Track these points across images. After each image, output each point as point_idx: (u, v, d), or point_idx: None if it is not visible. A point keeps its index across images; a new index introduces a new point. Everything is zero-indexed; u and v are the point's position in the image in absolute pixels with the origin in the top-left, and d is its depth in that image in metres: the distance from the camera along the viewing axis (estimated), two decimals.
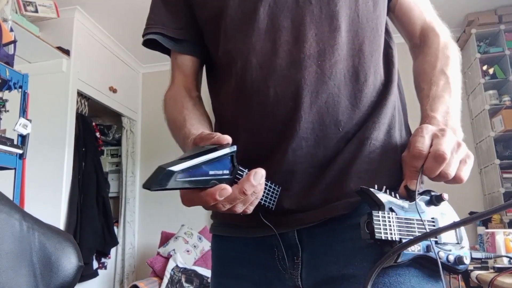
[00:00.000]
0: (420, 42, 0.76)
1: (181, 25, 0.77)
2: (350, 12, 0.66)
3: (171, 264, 3.03)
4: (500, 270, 1.54)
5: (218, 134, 0.53)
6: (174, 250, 3.14)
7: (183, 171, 0.46)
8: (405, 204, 0.54)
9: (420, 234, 0.53)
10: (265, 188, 0.57)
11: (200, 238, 3.31)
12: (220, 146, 0.52)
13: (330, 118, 0.63)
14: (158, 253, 3.21)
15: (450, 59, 0.71)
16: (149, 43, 0.79)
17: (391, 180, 0.60)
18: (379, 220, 0.51)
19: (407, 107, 0.76)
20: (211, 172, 0.49)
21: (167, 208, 3.74)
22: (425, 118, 0.63)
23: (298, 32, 0.65)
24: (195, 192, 0.50)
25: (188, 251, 3.19)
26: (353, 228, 0.56)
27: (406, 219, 0.53)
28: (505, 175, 3.00)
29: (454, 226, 0.48)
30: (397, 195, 0.55)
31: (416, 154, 0.55)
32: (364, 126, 0.64)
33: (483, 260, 1.73)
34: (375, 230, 0.50)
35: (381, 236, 0.50)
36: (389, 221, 0.51)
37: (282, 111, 0.63)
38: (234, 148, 0.52)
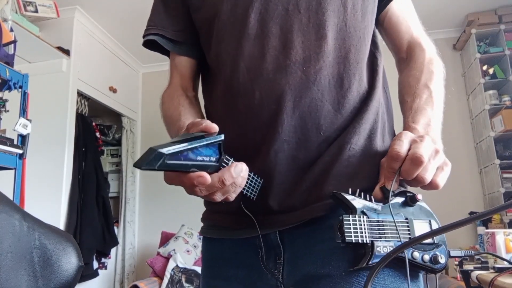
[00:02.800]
0: (406, 56, 0.78)
1: (180, 27, 0.80)
2: (338, 21, 0.68)
3: (171, 264, 3.04)
4: (500, 270, 1.54)
5: (207, 122, 0.55)
6: (174, 250, 3.14)
7: (172, 154, 0.48)
8: (378, 206, 0.56)
9: (392, 235, 0.54)
10: (248, 179, 0.59)
11: (200, 238, 3.31)
12: (208, 133, 0.54)
13: (312, 122, 0.65)
14: (158, 253, 3.21)
15: (434, 74, 0.72)
16: (149, 44, 0.82)
17: (369, 184, 0.62)
18: (349, 224, 0.53)
19: (395, 112, 0.77)
20: (198, 158, 0.51)
21: (167, 208, 3.74)
22: (406, 129, 0.65)
23: (286, 39, 0.67)
24: (178, 173, 0.52)
25: (188, 251, 3.19)
26: (331, 229, 0.58)
27: (378, 221, 0.55)
28: (505, 175, 3.00)
29: (454, 226, 0.48)
30: (372, 198, 0.57)
31: (394, 156, 0.56)
32: (345, 131, 0.66)
33: (483, 260, 1.73)
34: (346, 234, 0.52)
35: (352, 240, 0.52)
36: (360, 224, 0.53)
37: (266, 114, 0.66)
38: (222, 137, 0.54)
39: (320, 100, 0.66)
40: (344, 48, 0.68)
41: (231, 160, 0.55)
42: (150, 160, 0.46)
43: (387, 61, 0.78)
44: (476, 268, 1.72)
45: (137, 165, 0.47)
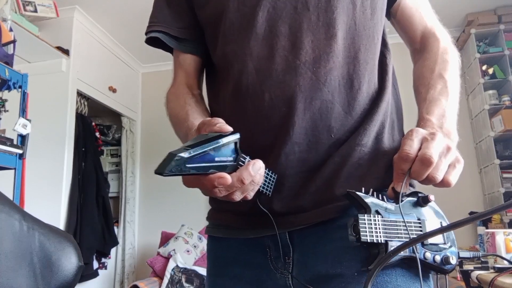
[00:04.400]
0: (420, 47, 0.77)
1: (184, 24, 0.78)
2: (348, 19, 0.67)
3: (171, 264, 3.03)
4: (500, 270, 1.54)
5: (220, 121, 0.54)
6: (174, 250, 3.14)
7: (192, 157, 0.47)
8: (392, 206, 0.56)
9: (405, 235, 0.54)
10: (264, 176, 0.58)
11: (200, 238, 3.31)
12: (224, 133, 0.53)
13: (323, 124, 0.64)
14: (158, 253, 3.21)
15: (449, 63, 0.71)
16: (151, 41, 0.80)
17: (379, 184, 0.61)
18: (364, 223, 0.52)
19: (403, 110, 0.77)
20: (216, 159, 0.51)
21: (167, 208, 3.74)
22: (421, 120, 0.64)
23: (295, 38, 0.65)
24: (197, 175, 0.51)
25: (188, 251, 3.19)
26: (342, 229, 0.57)
27: (392, 221, 0.54)
28: (505, 175, 3.00)
29: (454, 226, 0.48)
30: (385, 197, 0.56)
31: (403, 157, 0.55)
32: (356, 132, 0.65)
33: (483, 260, 1.73)
34: (361, 233, 0.52)
35: (367, 239, 0.52)
36: (375, 224, 0.53)
37: (276, 116, 0.64)
38: (238, 135, 0.53)
39: (331, 101, 0.64)
40: (353, 48, 0.67)
41: (247, 158, 0.55)
42: (171, 165, 0.46)
43: (396, 56, 0.77)
44: (476, 268, 1.72)
45: (158, 171, 0.46)
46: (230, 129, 0.54)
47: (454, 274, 2.36)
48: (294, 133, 0.63)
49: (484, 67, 3.19)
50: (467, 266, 1.79)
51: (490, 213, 0.42)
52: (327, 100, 0.64)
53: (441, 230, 0.52)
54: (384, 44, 0.74)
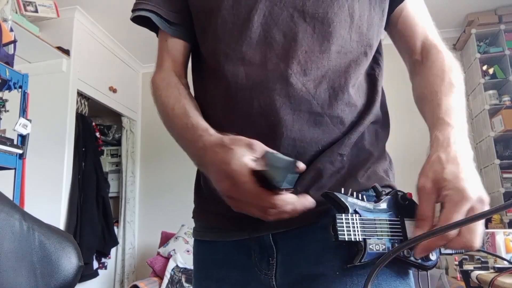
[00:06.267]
0: (422, 58, 0.75)
1: (176, 8, 0.76)
2: (344, 33, 0.66)
3: (171, 264, 3.04)
4: (500, 270, 1.54)
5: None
6: (174, 250, 3.14)
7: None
8: (370, 205, 0.57)
9: (383, 233, 0.56)
10: None
11: None
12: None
13: (311, 136, 0.64)
14: (158, 253, 3.21)
15: (454, 72, 0.70)
16: (138, 19, 0.77)
17: (359, 188, 0.62)
18: (342, 222, 0.54)
19: (392, 110, 0.77)
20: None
21: (167, 208, 3.74)
22: (441, 125, 0.61)
23: (289, 47, 0.65)
24: (265, 192, 0.53)
25: (188, 251, 3.19)
26: (323, 230, 0.58)
27: (370, 219, 0.56)
28: (505, 175, 3.00)
29: (454, 226, 0.48)
30: (364, 197, 0.57)
31: (444, 237, 0.52)
32: (339, 142, 0.65)
33: (483, 260, 1.73)
34: (339, 232, 0.53)
35: (345, 238, 0.54)
36: (353, 223, 0.54)
37: (264, 125, 0.64)
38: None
39: (320, 114, 0.64)
40: (345, 62, 0.67)
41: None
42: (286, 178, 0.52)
43: (387, 57, 0.77)
44: (476, 268, 1.72)
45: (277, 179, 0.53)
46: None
47: (454, 274, 2.36)
48: (282, 144, 0.63)
49: (484, 67, 3.19)
50: (467, 266, 1.79)
51: (490, 213, 0.42)
52: (315, 113, 0.64)
53: (441, 230, 0.52)
54: (375, 59, 0.74)
